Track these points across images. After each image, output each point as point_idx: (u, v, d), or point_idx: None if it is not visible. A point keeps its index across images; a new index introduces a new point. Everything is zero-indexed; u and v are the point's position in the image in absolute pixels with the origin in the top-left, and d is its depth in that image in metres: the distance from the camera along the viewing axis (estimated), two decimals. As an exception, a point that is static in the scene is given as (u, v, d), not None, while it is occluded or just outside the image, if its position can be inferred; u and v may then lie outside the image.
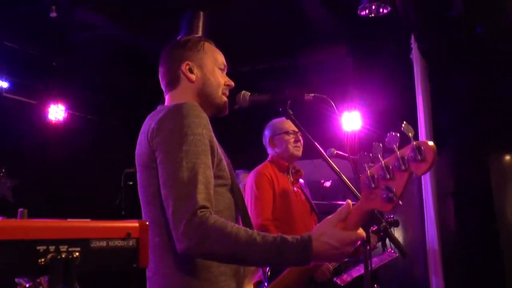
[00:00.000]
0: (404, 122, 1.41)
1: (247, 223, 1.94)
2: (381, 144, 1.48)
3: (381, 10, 4.74)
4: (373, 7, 4.72)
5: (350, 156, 3.56)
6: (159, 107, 2.01)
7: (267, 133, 3.77)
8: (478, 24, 5.26)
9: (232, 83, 2.15)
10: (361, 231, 1.60)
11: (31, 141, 6.95)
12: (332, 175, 2.42)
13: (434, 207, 5.50)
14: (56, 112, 7.17)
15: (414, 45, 5.67)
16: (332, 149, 3.79)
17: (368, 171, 1.50)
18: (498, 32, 5.28)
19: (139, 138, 1.94)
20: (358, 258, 3.92)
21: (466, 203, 5.87)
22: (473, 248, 5.73)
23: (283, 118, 3.64)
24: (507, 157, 6.01)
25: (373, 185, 1.49)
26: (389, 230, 2.75)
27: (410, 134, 1.40)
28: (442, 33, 5.52)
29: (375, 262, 4.08)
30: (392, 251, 4.23)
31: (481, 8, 5.12)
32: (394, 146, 1.42)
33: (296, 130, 3.63)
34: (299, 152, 3.64)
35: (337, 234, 1.57)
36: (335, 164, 2.43)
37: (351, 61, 6.80)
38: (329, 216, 1.63)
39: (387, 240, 3.87)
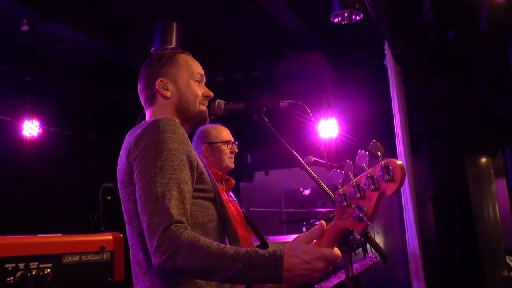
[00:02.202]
0: (373, 141, 1.41)
1: (232, 234, 1.95)
2: (351, 163, 1.48)
3: (353, 17, 4.77)
4: (346, 14, 4.74)
5: (328, 163, 3.57)
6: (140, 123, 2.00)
7: (200, 140, 3.51)
8: (449, 28, 5.33)
9: (211, 94, 2.14)
10: (336, 250, 1.58)
11: (6, 158, 6.83)
12: (311, 183, 2.41)
13: (414, 212, 5.52)
14: (31, 128, 7.08)
15: (387, 51, 5.71)
16: (310, 157, 3.77)
17: (341, 189, 1.49)
18: (469, 37, 5.35)
19: (120, 154, 1.94)
20: (338, 264, 3.90)
21: (445, 206, 5.90)
22: (453, 251, 5.76)
23: (218, 125, 3.57)
24: (483, 159, 6.07)
25: (345, 204, 1.48)
26: (369, 235, 2.76)
27: (379, 153, 1.39)
28: (414, 38, 5.57)
29: (356, 267, 4.08)
30: (373, 256, 4.23)
31: (452, 12, 5.19)
32: (364, 164, 1.42)
33: (232, 140, 3.56)
34: (232, 164, 3.51)
35: (309, 249, 1.55)
36: (313, 172, 2.42)
37: (327, 68, 6.83)
38: (302, 234, 1.62)
39: (368, 245, 3.87)
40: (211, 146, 3.45)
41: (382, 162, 1.37)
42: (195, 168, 1.85)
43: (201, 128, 3.52)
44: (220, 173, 3.42)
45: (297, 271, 1.55)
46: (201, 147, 3.45)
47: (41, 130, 7.18)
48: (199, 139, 3.51)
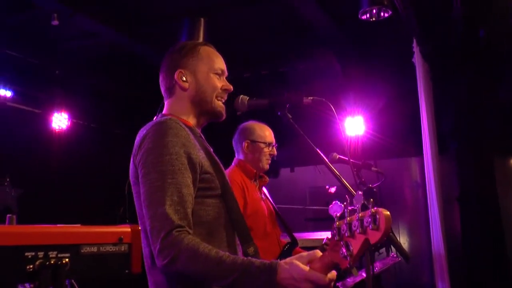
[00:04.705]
0: (358, 192, 1.47)
1: (242, 229, 1.96)
2: (348, 199, 1.53)
3: (382, 14, 4.71)
4: (374, 11, 4.69)
5: (351, 161, 3.54)
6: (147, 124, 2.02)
7: (242, 136, 3.53)
8: (478, 26, 5.23)
9: (231, 87, 2.13)
10: (330, 276, 1.61)
11: (35, 150, 6.94)
12: (337, 180, 2.39)
13: (439, 212, 5.45)
14: (60, 121, 7.19)
15: (416, 49, 5.64)
16: (334, 154, 3.74)
17: (337, 223, 1.53)
18: (499, 35, 5.24)
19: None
20: (360, 263, 3.88)
21: (471, 207, 5.81)
22: (479, 253, 5.67)
23: (263, 124, 3.58)
24: (512, 161, 5.97)
25: (337, 238, 1.53)
26: (391, 234, 2.73)
27: (371, 200, 1.46)
28: (443, 36, 5.49)
29: (378, 266, 4.04)
30: (395, 255, 4.20)
31: (482, 10, 5.09)
32: (358, 206, 1.48)
33: (274, 142, 3.54)
34: (268, 166, 3.50)
35: (300, 269, 1.59)
36: (338, 169, 2.40)
37: (354, 66, 6.78)
38: (304, 253, 1.68)
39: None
40: (253, 144, 3.47)
41: (372, 209, 1.43)
42: (198, 170, 1.87)
43: (246, 124, 3.58)
44: (255, 171, 3.45)
45: (284, 286, 1.60)
46: (243, 143, 3.48)
47: (69, 123, 7.29)
48: (242, 134, 3.54)
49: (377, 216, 1.42)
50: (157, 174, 1.77)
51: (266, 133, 3.51)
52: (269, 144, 3.48)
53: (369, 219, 1.43)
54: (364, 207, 1.49)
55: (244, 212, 3.19)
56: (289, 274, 1.58)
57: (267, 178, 3.56)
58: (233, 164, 3.54)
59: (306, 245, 4.23)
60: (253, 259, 1.65)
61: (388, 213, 1.43)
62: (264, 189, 3.61)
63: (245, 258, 1.66)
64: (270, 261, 1.64)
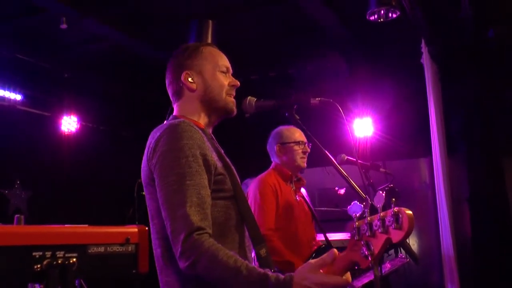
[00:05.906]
0: (379, 192, 1.48)
1: (254, 231, 1.96)
2: (369, 200, 1.54)
3: (390, 14, 4.69)
4: (382, 11, 4.67)
5: (359, 162, 3.55)
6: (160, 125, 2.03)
7: (274, 140, 3.66)
8: (488, 26, 5.20)
9: (237, 83, 2.14)
10: (347, 278, 1.62)
11: (45, 153, 6.99)
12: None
13: (449, 213, 5.42)
14: (69, 124, 7.24)
15: (424, 49, 5.62)
16: (343, 155, 3.77)
17: (356, 222, 1.55)
18: (509, 34, 5.21)
19: (144, 152, 1.98)
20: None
21: (481, 208, 5.78)
22: (488, 254, 5.64)
23: (291, 126, 3.62)
24: (523, 161, 5.92)
25: (357, 237, 1.55)
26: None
27: (393, 199, 1.47)
28: (452, 36, 5.46)
29: (387, 267, 4.04)
30: (404, 256, 4.19)
31: (491, 10, 5.07)
32: (379, 206, 1.48)
33: (305, 140, 3.59)
34: (304, 164, 3.59)
35: (318, 277, 1.60)
36: (347, 170, 2.39)
37: (362, 66, 6.76)
38: (313, 260, 1.67)
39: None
40: (284, 146, 3.58)
41: (394, 209, 1.45)
42: (212, 171, 1.88)
43: (275, 129, 3.70)
44: (290, 173, 3.52)
45: None
46: (275, 148, 3.61)
47: (79, 126, 7.34)
48: (273, 139, 3.67)
49: (400, 215, 1.43)
50: (175, 177, 1.78)
51: (295, 134, 3.61)
52: (299, 142, 3.58)
53: (391, 219, 1.44)
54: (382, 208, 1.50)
55: (276, 213, 3.28)
56: (304, 286, 1.59)
57: (305, 181, 3.63)
58: (270, 167, 3.66)
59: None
60: (269, 273, 1.66)
61: (411, 212, 1.44)
62: (303, 191, 3.67)
63: (262, 271, 1.67)
64: (285, 275, 1.65)
